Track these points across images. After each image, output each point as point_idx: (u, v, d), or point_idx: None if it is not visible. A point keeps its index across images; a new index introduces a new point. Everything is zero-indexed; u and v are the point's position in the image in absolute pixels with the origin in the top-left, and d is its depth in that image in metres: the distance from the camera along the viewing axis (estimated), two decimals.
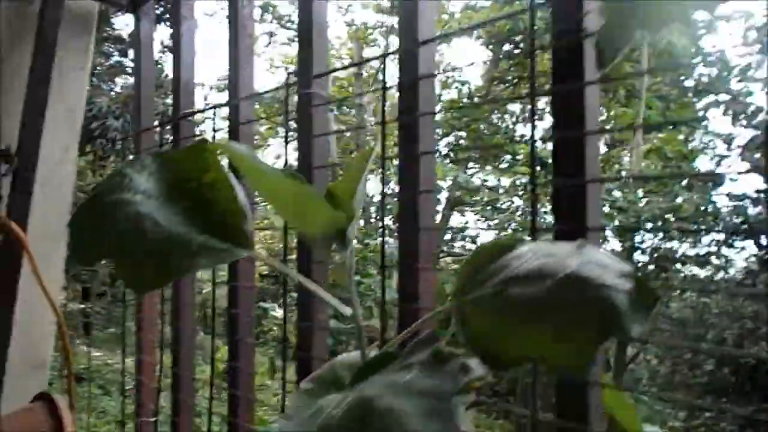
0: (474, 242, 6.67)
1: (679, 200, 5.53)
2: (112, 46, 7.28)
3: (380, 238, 0.80)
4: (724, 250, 5.48)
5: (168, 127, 1.41)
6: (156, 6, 2.07)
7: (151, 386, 1.46)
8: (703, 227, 5.52)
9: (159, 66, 6.11)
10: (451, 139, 7.59)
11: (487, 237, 6.89)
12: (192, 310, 1.35)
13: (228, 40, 1.14)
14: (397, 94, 0.84)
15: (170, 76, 1.40)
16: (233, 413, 1.07)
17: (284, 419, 0.49)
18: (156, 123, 1.43)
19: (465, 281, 0.53)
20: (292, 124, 0.98)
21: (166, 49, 6.37)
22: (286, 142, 0.98)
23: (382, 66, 0.83)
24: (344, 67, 4.94)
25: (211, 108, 1.17)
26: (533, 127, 0.65)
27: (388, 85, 0.87)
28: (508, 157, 7.09)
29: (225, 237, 0.59)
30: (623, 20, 0.43)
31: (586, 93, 0.62)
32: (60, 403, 0.83)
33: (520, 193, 6.83)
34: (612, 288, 0.46)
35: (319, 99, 0.95)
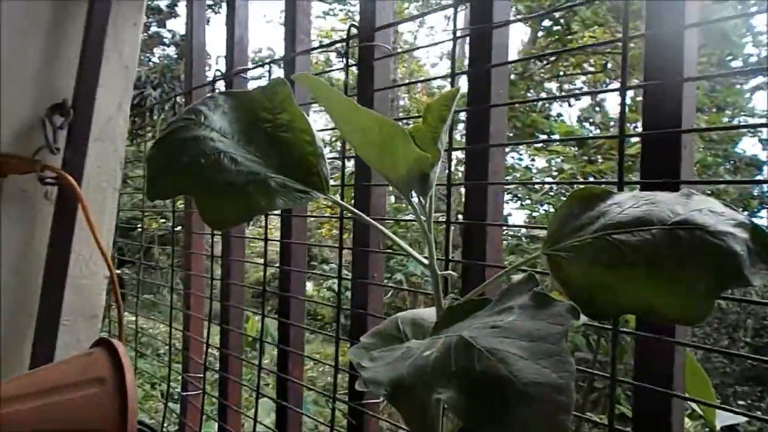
0: (505, 221, 6.61)
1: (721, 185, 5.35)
2: (150, 16, 7.32)
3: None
4: None
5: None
6: None
7: (197, 342, 1.48)
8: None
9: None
10: None
11: (518, 216, 6.81)
12: (243, 272, 1.35)
13: None
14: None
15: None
16: (283, 368, 1.07)
17: (365, 362, 0.47)
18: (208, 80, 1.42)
19: (557, 229, 0.51)
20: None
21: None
22: (346, 95, 0.95)
23: (453, 13, 0.79)
24: (408, 19, 4.76)
25: (266, 63, 1.15)
26: (624, 73, 0.61)
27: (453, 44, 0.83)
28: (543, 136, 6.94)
29: (301, 179, 0.57)
30: None
31: (685, 35, 0.58)
32: (120, 348, 0.83)
33: (554, 173, 6.68)
34: (730, 236, 0.42)
35: (382, 52, 0.92)
